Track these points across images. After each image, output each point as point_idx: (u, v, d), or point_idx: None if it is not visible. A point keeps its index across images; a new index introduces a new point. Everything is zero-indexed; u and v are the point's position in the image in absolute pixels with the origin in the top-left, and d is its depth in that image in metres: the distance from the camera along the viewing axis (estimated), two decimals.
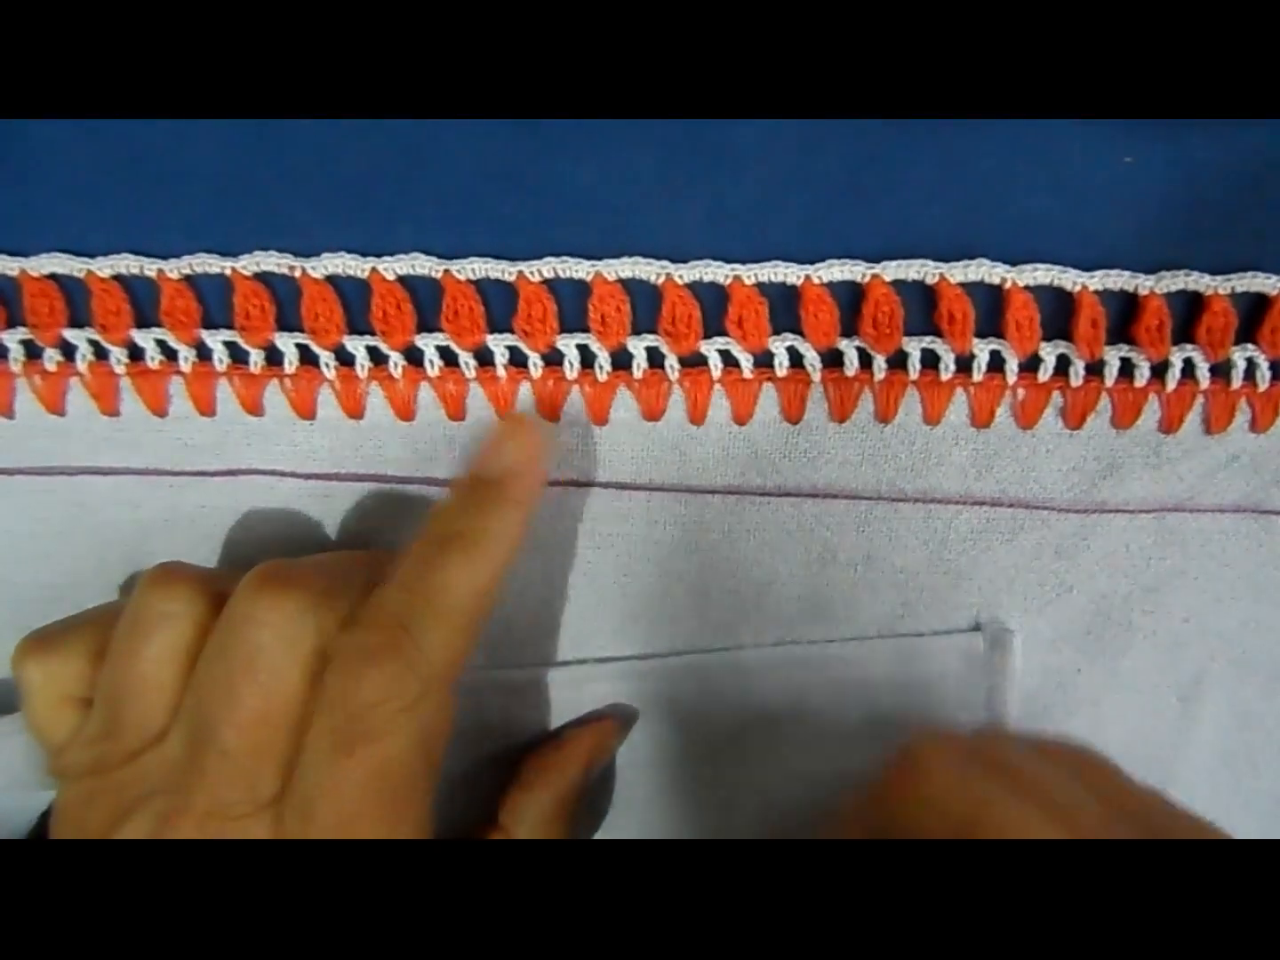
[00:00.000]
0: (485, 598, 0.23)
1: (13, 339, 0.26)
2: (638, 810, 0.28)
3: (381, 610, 0.22)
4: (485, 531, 0.23)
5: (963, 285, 0.24)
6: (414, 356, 0.25)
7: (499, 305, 0.25)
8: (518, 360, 0.25)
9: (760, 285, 0.24)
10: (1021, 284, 0.24)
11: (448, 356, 0.25)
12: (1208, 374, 0.24)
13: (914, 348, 0.24)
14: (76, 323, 0.25)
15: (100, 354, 0.26)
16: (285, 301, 0.25)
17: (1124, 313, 0.24)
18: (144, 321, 0.25)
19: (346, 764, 0.21)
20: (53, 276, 0.25)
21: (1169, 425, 0.25)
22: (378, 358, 0.25)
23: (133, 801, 0.21)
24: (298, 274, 0.25)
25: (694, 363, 0.25)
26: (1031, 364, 0.24)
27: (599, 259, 0.24)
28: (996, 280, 0.24)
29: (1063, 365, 0.24)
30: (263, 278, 0.25)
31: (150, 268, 0.25)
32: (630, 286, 0.24)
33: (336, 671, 0.21)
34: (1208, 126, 0.23)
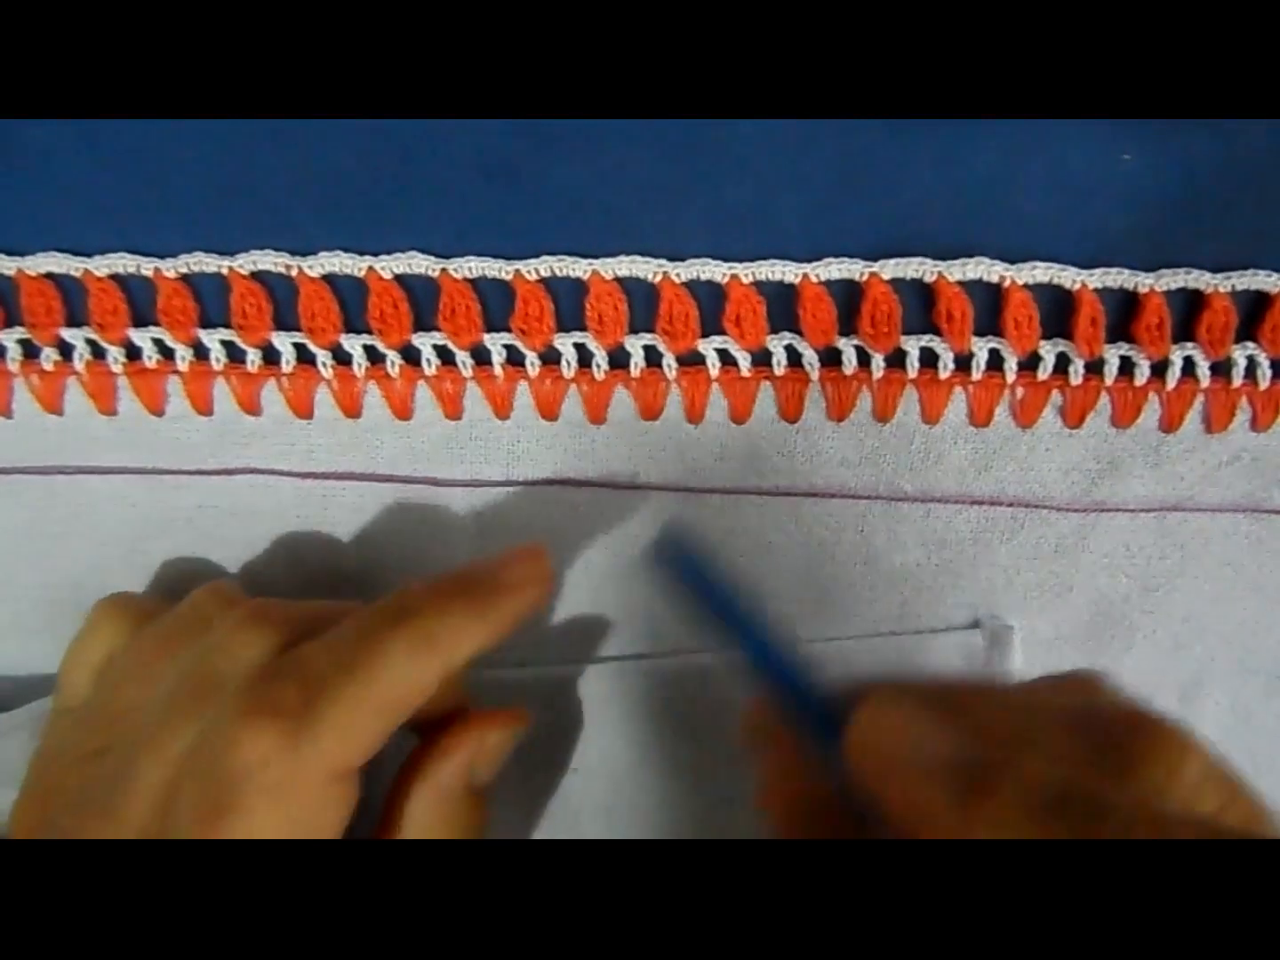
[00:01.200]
0: (418, 693, 0.20)
1: (10, 338, 0.26)
2: (640, 810, 0.28)
3: (295, 665, 0.19)
4: (450, 628, 0.20)
5: (961, 283, 0.24)
6: (411, 355, 0.25)
7: (496, 304, 0.25)
8: (515, 359, 0.25)
9: (758, 284, 0.24)
10: (1020, 282, 0.24)
11: (445, 355, 0.25)
12: (1208, 372, 0.24)
13: (913, 346, 0.24)
14: (74, 322, 0.25)
15: (98, 353, 0.26)
16: (282, 300, 0.25)
17: (1124, 311, 0.24)
18: (141, 320, 0.25)
19: (202, 827, 0.18)
20: (50, 276, 0.25)
21: (1169, 424, 0.25)
22: (375, 357, 0.25)
23: (55, 810, 0.20)
24: (294, 273, 0.24)
25: (691, 361, 0.25)
26: (1031, 362, 0.24)
27: (596, 258, 0.24)
28: (995, 278, 0.24)
29: (1062, 364, 0.24)
30: (260, 277, 0.25)
31: (147, 267, 0.25)
32: (627, 285, 0.24)
33: (217, 722, 0.19)
34: (1207, 124, 0.23)
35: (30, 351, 0.26)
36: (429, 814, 0.22)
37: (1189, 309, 0.24)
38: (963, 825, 0.16)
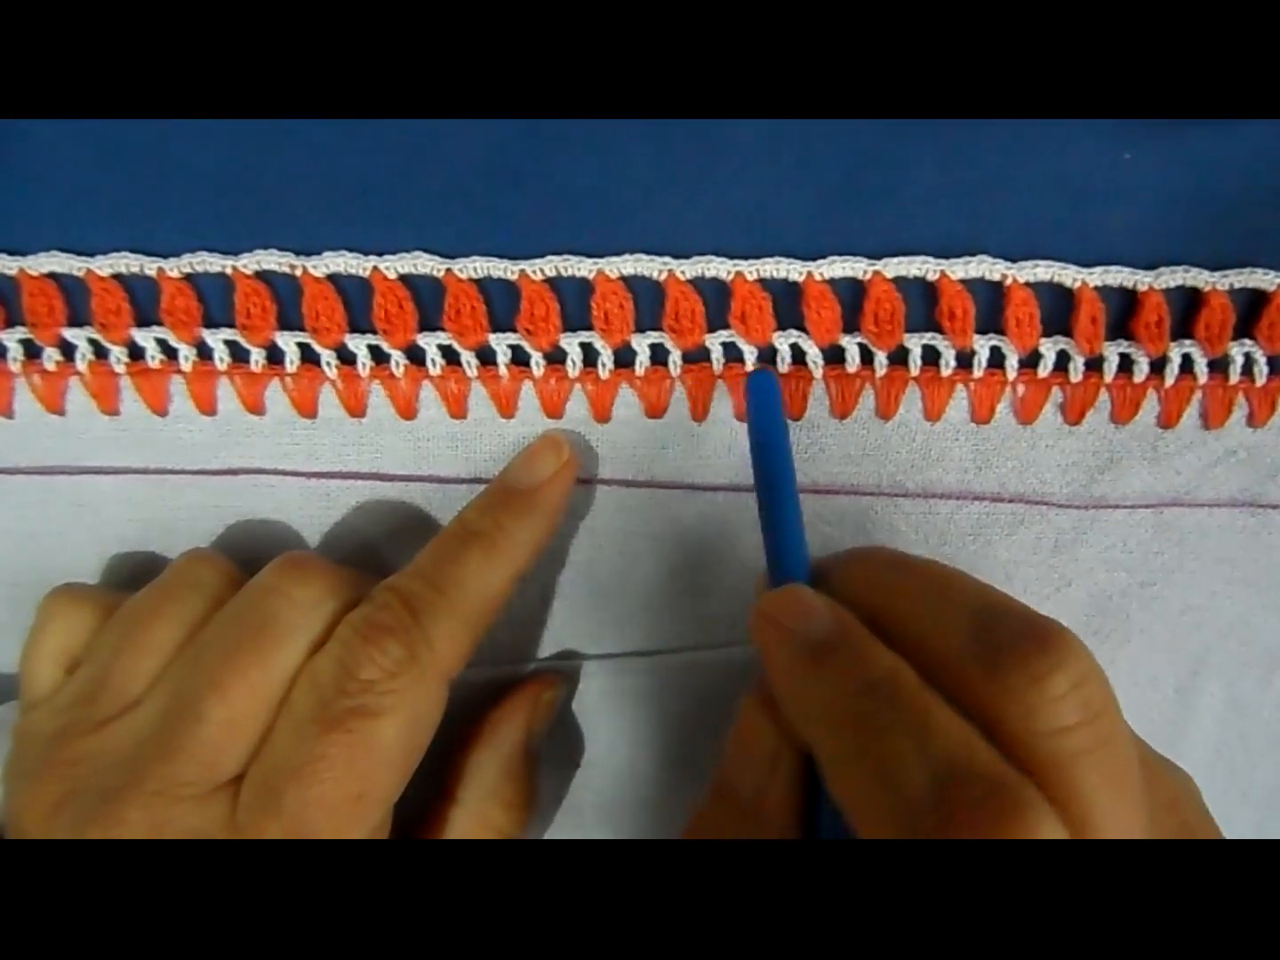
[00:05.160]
0: (497, 599, 0.23)
1: (12, 338, 0.25)
2: (643, 804, 0.28)
3: (394, 593, 0.22)
4: (508, 535, 0.23)
5: (963, 282, 0.24)
6: (416, 355, 0.25)
7: (501, 304, 0.25)
8: (520, 359, 0.25)
9: (763, 281, 0.24)
10: (1022, 280, 0.24)
11: (450, 355, 0.25)
12: (1206, 369, 0.25)
13: (915, 344, 0.24)
14: (76, 322, 0.25)
15: (100, 353, 0.25)
16: (286, 300, 0.25)
17: (1123, 309, 0.24)
18: (144, 320, 0.25)
19: (326, 740, 0.20)
20: (52, 275, 0.25)
21: (1167, 420, 0.25)
22: (379, 356, 0.25)
23: (81, 779, 0.21)
24: (299, 273, 0.24)
25: (696, 359, 0.25)
26: (1031, 360, 0.25)
27: (601, 257, 0.24)
28: (997, 277, 0.24)
29: (1062, 361, 0.25)
30: (264, 276, 0.25)
31: (150, 266, 0.25)
32: (633, 284, 0.24)
33: (336, 644, 0.21)
34: (1206, 124, 0.23)
35: (32, 351, 0.26)
36: (493, 775, 0.25)
37: (1187, 307, 0.24)
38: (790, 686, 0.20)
